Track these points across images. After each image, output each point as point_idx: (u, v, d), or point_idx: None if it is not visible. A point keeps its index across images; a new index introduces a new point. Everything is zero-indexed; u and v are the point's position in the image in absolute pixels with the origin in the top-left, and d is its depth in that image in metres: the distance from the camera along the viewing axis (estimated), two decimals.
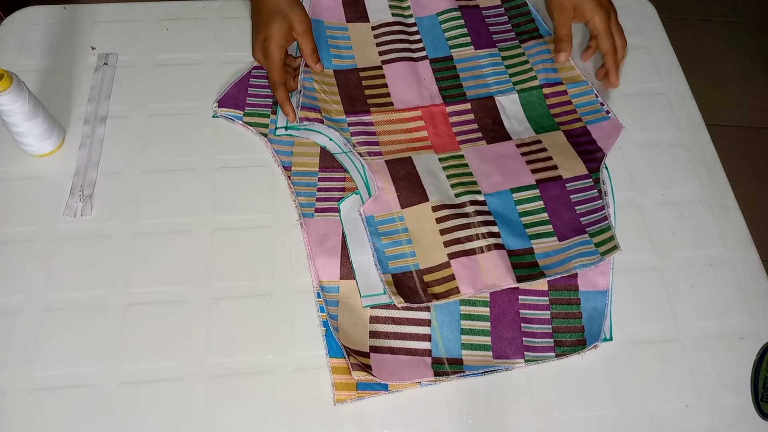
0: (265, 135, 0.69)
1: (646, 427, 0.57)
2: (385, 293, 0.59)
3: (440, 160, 0.68)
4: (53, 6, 0.78)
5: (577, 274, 0.62)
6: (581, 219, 0.65)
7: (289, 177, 0.66)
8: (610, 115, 0.72)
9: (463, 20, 0.79)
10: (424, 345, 0.59)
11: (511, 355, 0.59)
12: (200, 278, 0.61)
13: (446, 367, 0.58)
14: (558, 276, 0.61)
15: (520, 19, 0.80)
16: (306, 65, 0.72)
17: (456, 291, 0.60)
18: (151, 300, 0.59)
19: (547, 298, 0.61)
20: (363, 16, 0.79)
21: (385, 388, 0.56)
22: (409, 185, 0.65)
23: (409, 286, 0.60)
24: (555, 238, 0.64)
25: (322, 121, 0.68)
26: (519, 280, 0.60)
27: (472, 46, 0.77)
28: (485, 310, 0.61)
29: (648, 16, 0.83)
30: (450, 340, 0.59)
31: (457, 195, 0.65)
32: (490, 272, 0.61)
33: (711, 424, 0.57)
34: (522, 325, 0.60)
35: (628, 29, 0.80)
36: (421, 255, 0.62)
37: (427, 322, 0.60)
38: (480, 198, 0.65)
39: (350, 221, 0.64)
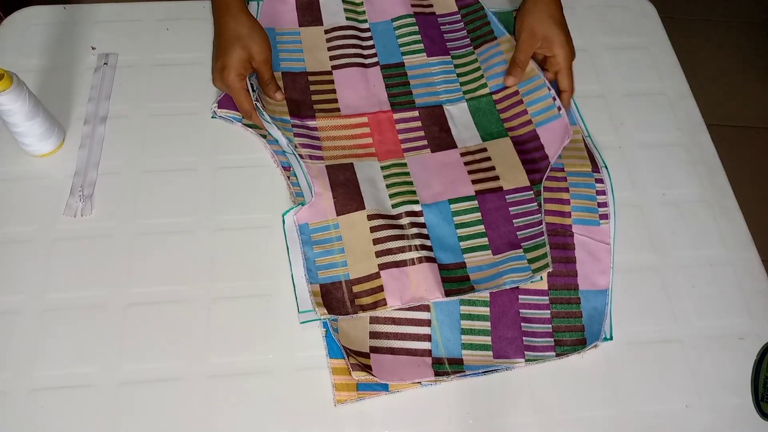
0: (264, 136, 0.69)
1: (646, 427, 0.57)
2: (313, 310, 0.59)
3: (382, 168, 0.67)
4: (53, 6, 0.78)
5: (577, 273, 0.62)
6: (518, 233, 0.64)
7: (288, 177, 0.66)
8: (561, 113, 0.69)
9: (417, 27, 0.78)
10: (424, 345, 0.59)
11: (512, 354, 0.59)
12: (200, 278, 0.61)
13: (446, 367, 0.58)
14: (487, 291, 0.60)
15: (476, 23, 0.79)
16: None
17: (383, 303, 0.59)
18: (151, 300, 0.59)
19: (547, 298, 0.61)
20: (316, 20, 0.78)
21: (385, 388, 0.56)
22: (346, 192, 0.64)
23: (337, 297, 0.60)
24: (489, 251, 0.63)
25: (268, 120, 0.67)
26: (447, 294, 0.60)
27: (425, 53, 0.76)
28: (485, 310, 0.61)
29: (648, 16, 0.83)
30: (450, 340, 0.59)
31: (394, 206, 0.65)
32: (419, 285, 0.60)
33: (711, 424, 0.57)
34: (522, 324, 0.60)
35: (628, 29, 0.81)
36: (352, 265, 0.61)
37: (427, 323, 0.60)
38: (417, 209, 0.64)
39: (291, 233, 0.63)
